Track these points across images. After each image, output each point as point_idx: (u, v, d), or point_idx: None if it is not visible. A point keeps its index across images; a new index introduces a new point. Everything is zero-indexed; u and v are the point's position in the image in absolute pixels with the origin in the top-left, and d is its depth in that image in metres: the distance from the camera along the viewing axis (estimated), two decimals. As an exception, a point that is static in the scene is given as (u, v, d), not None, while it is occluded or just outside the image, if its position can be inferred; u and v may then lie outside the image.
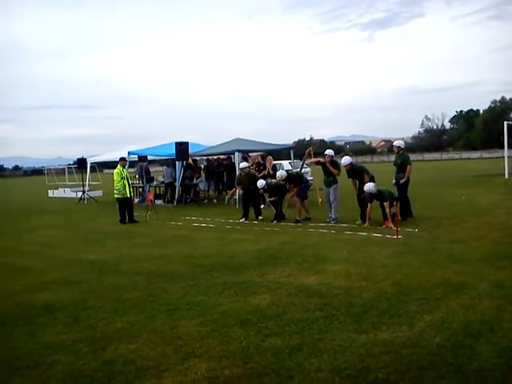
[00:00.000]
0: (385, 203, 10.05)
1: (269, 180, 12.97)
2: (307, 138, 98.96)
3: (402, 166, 11.13)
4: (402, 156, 11.29)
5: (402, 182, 10.95)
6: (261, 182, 12.25)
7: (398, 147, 11.29)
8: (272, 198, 12.24)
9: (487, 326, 4.32)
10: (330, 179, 11.44)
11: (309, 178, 14.26)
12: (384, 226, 10.05)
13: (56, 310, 5.54)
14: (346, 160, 11.10)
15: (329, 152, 11.56)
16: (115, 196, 13.91)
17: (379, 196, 10.16)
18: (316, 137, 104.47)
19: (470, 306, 4.88)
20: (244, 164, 13.32)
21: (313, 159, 12.41)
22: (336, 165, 11.41)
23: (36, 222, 14.82)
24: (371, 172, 11.05)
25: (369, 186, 10.17)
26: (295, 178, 12.15)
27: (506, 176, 22.82)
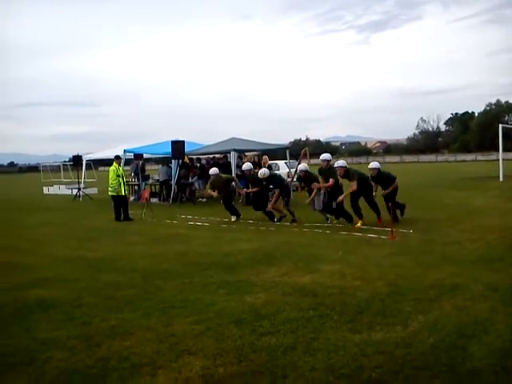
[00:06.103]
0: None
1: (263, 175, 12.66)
2: (303, 138, 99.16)
3: (387, 180, 11.13)
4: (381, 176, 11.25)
5: (386, 192, 10.93)
6: (262, 170, 12.17)
7: (374, 169, 11.13)
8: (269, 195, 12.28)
9: (481, 327, 4.35)
10: None
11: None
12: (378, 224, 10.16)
13: (50, 307, 5.52)
14: (341, 163, 11.11)
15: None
16: (109, 194, 13.88)
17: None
18: (312, 137, 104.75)
19: (464, 307, 4.91)
20: (214, 170, 13.36)
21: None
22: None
23: (31, 219, 14.77)
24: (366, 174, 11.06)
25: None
26: (278, 182, 12.09)
27: (501, 178, 22.94)
